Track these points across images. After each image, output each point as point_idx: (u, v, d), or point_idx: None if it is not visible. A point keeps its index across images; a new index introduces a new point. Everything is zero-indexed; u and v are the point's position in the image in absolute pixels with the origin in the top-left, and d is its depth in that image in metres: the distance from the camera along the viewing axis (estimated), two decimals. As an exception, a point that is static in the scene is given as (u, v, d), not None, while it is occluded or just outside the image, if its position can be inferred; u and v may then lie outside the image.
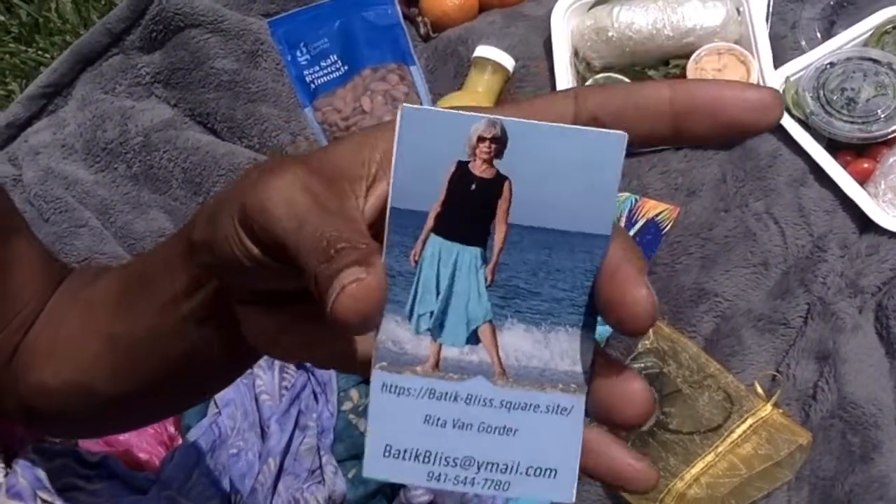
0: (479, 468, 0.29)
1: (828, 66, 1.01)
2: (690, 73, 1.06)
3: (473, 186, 0.28)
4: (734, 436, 0.79)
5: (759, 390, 0.83)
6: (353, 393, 0.83)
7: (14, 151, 1.12)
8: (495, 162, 0.28)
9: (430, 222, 0.28)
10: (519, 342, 0.29)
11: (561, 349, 0.29)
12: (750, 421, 0.80)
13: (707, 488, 0.76)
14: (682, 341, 0.88)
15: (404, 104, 0.28)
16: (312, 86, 1.18)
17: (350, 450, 0.80)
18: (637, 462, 0.31)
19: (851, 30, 1.04)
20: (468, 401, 0.29)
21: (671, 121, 0.31)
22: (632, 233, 0.99)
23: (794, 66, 1.04)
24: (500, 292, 0.29)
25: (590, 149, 0.27)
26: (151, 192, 1.11)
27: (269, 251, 0.32)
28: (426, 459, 0.29)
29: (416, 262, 0.29)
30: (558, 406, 0.29)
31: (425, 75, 1.18)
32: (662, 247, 0.97)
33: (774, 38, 1.08)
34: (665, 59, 1.10)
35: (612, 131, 0.27)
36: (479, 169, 0.28)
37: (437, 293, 0.29)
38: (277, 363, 0.82)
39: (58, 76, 1.19)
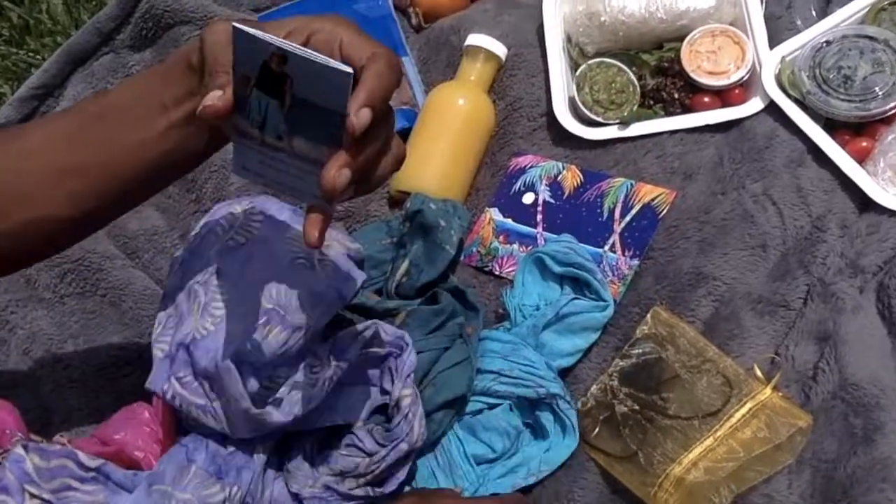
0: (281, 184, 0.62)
1: (824, 45, 1.00)
2: (685, 56, 1.05)
3: (275, 72, 0.56)
4: (733, 420, 0.78)
5: (759, 373, 0.82)
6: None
7: (6, 153, 1.12)
8: (285, 66, 0.55)
9: (252, 81, 0.57)
10: (300, 143, 0.59)
11: (317, 152, 0.59)
12: (749, 405, 0.79)
13: (706, 472, 0.75)
14: (681, 326, 0.86)
15: (233, 23, 0.55)
16: (304, 80, 1.17)
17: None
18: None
19: (847, 7, 1.02)
20: (273, 157, 0.60)
21: None
22: (627, 218, 0.97)
23: (789, 46, 1.02)
24: (289, 117, 0.58)
25: (329, 74, 0.54)
26: (144, 190, 1.10)
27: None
28: (259, 175, 0.62)
29: (249, 95, 0.57)
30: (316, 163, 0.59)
31: (418, 66, 1.17)
32: (659, 231, 0.96)
33: (770, 19, 1.06)
34: (659, 43, 1.08)
35: (343, 69, 0.54)
36: (275, 67, 0.55)
37: (260, 112, 0.58)
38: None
39: (49, 77, 1.18)
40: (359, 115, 0.55)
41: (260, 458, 0.74)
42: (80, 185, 0.64)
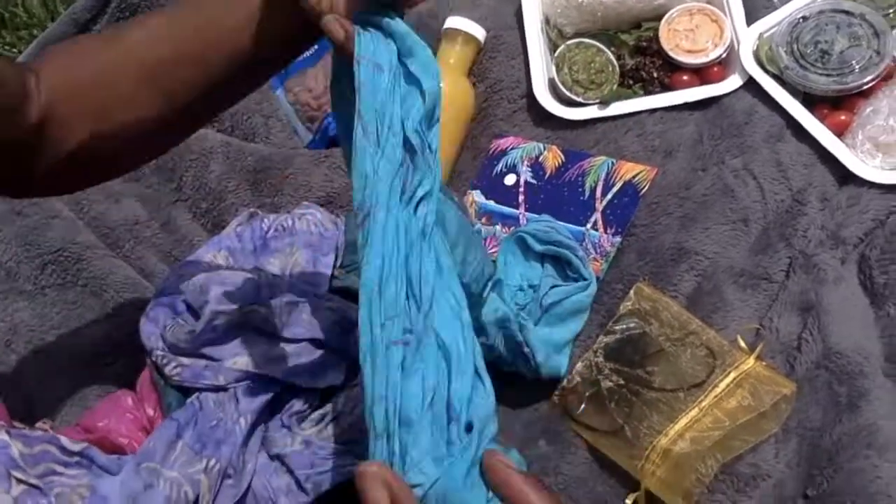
0: None
1: (800, 20, 1.00)
2: (663, 35, 1.05)
3: None
4: (718, 390, 0.78)
5: (742, 344, 0.82)
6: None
7: (-17, 146, 1.11)
8: None
9: None
10: None
11: None
12: (733, 374, 0.79)
13: (692, 443, 0.75)
14: (664, 300, 0.87)
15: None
16: (283, 67, 1.16)
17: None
18: None
19: (823, -17, 1.03)
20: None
21: None
22: (609, 196, 0.98)
23: (766, 23, 1.03)
24: None
25: None
26: (124, 180, 1.09)
27: None
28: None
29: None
30: None
31: (397, 51, 1.16)
32: (641, 208, 0.96)
33: (747, -3, 1.07)
34: (637, 23, 1.09)
35: None
36: None
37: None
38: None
39: (25, 69, 1.17)
40: None
41: (241, 431, 0.74)
42: (173, 80, 0.66)
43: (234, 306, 0.79)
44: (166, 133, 0.72)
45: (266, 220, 0.93)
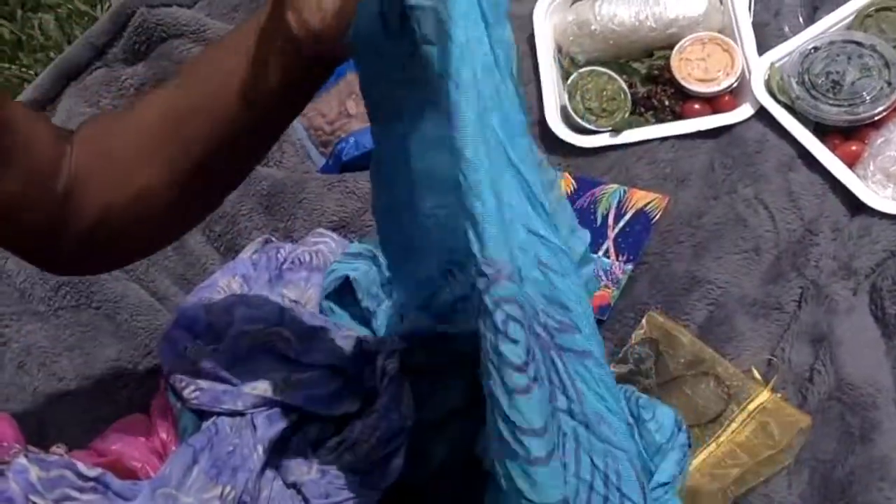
0: None
1: (812, 51, 1.01)
2: (675, 64, 1.06)
3: None
4: (734, 424, 0.79)
5: (757, 375, 0.82)
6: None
7: None
8: None
9: None
10: None
11: None
12: (749, 408, 0.79)
13: (711, 479, 0.75)
14: (676, 330, 0.87)
15: None
16: (297, 92, 1.17)
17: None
18: None
19: (834, 14, 1.04)
20: None
21: None
22: (621, 224, 0.98)
23: (778, 53, 1.04)
24: None
25: None
26: (138, 202, 1.10)
27: None
28: None
29: None
30: None
31: (410, 77, 1.17)
32: (653, 236, 0.96)
33: (758, 26, 1.08)
34: (649, 51, 1.09)
35: None
36: None
37: None
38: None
39: (42, 92, 1.18)
40: None
41: (258, 458, 0.74)
42: (178, 151, 0.62)
43: (259, 326, 0.79)
44: (178, 210, 0.67)
45: (282, 250, 0.93)
